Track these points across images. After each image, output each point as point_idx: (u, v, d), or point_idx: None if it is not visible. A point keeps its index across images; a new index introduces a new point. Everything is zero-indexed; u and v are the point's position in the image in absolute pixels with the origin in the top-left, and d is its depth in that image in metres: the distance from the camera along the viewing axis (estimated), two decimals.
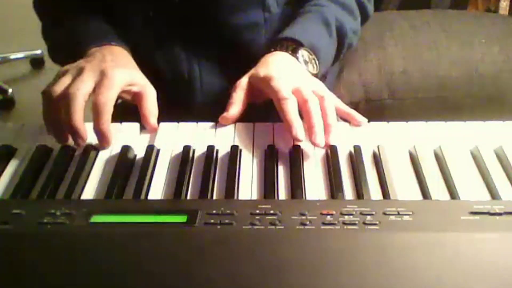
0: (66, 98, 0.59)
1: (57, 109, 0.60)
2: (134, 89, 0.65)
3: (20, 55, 2.35)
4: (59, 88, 0.61)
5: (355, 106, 1.04)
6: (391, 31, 1.09)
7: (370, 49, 1.06)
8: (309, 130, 0.59)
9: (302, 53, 0.70)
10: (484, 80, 1.04)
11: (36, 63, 2.38)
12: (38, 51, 2.33)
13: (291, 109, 0.59)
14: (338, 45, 0.78)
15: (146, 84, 0.67)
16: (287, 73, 0.65)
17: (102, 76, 0.61)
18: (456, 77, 1.04)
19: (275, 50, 0.70)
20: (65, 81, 0.62)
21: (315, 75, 0.71)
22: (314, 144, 0.59)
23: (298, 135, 0.58)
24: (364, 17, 0.84)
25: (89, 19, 0.75)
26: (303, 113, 0.61)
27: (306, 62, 0.70)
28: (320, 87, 0.65)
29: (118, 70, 0.62)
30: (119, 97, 0.63)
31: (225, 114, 0.65)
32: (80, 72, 0.62)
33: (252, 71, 0.67)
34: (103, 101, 0.60)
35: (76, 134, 0.60)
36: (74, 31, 0.74)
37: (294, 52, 0.69)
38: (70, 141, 0.61)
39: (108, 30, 0.74)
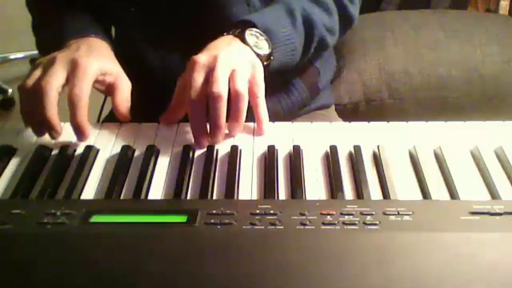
0: (37, 92, 0.59)
1: (29, 103, 0.60)
2: (108, 79, 0.65)
3: (20, 55, 2.35)
4: (31, 81, 0.61)
5: (355, 106, 1.04)
6: (391, 31, 1.09)
7: (370, 49, 1.06)
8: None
9: (250, 33, 0.66)
10: (484, 80, 1.04)
11: None
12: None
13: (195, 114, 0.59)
14: (307, 37, 0.73)
15: (120, 74, 0.66)
16: (211, 54, 0.61)
17: (74, 66, 0.60)
18: (456, 77, 1.03)
19: (227, 34, 0.66)
20: (37, 74, 0.61)
21: (268, 56, 0.66)
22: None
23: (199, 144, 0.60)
24: (345, 18, 0.79)
25: (74, 13, 0.74)
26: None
27: (255, 42, 0.66)
28: (250, 73, 0.62)
29: (91, 59, 0.62)
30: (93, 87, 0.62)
31: (164, 115, 0.64)
32: (51, 63, 0.61)
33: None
34: (77, 93, 0.59)
35: (50, 128, 0.60)
36: (57, 24, 0.73)
37: (241, 33, 0.65)
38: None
39: (90, 23, 0.73)
